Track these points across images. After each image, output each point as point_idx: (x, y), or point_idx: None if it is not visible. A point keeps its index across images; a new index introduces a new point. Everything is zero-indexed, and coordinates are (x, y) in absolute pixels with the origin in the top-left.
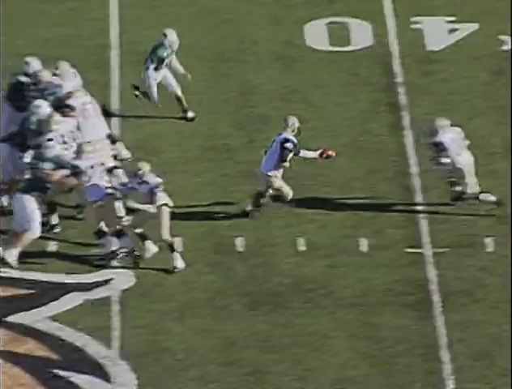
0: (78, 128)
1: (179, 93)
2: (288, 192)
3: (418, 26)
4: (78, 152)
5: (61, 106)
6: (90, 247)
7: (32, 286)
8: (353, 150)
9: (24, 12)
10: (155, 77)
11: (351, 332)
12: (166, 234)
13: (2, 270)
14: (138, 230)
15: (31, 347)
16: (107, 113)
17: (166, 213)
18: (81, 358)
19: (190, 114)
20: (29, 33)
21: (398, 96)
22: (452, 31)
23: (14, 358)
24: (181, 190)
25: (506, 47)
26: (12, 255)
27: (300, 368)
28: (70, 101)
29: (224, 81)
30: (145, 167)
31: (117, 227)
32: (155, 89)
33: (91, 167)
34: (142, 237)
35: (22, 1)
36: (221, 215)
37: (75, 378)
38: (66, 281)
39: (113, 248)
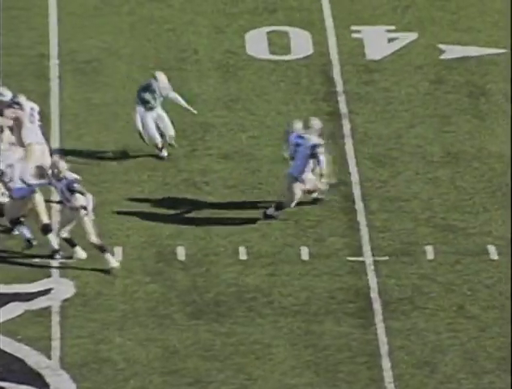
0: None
1: (171, 133)
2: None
3: (358, 35)
4: None
5: (10, 104)
6: (30, 257)
7: None
8: None
9: None
10: (145, 116)
11: (293, 341)
12: (92, 237)
13: None
14: (65, 235)
15: None
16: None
17: (85, 216)
18: (21, 368)
19: (164, 153)
20: None
21: (339, 105)
22: (392, 40)
23: None
24: (122, 200)
25: (445, 56)
26: None
27: (243, 377)
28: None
29: None
30: (61, 164)
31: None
32: (143, 130)
33: (10, 166)
34: (70, 243)
35: None
36: (162, 224)
37: (15, 388)
38: (5, 291)
39: (28, 236)
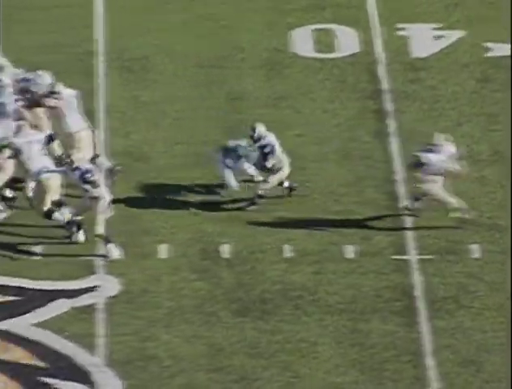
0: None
1: None
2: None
3: (404, 33)
4: (17, 131)
5: (48, 94)
6: (75, 254)
7: (18, 293)
8: (341, 157)
9: (11, 19)
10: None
11: (339, 339)
12: (99, 229)
13: None
14: (100, 232)
15: (17, 354)
16: None
17: (98, 207)
18: (68, 366)
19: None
20: (16, 38)
21: (385, 103)
22: (438, 38)
23: (0, 365)
24: (168, 197)
25: (492, 54)
26: None
27: (289, 375)
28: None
29: (212, 87)
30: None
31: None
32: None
33: (29, 143)
34: (106, 240)
35: (5, 7)
36: (208, 221)
37: (61, 385)
38: (52, 288)
39: (67, 218)
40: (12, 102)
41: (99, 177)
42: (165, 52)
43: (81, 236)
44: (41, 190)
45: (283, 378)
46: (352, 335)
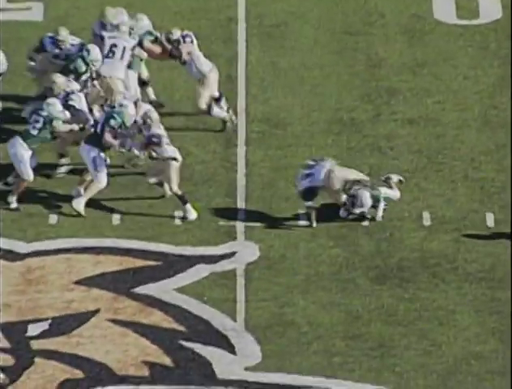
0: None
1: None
2: None
3: None
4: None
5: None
6: (216, 220)
7: (159, 258)
8: (482, 124)
9: None
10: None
11: (478, 307)
12: (174, 187)
13: (128, 241)
14: (179, 192)
15: (157, 318)
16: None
17: (172, 167)
18: (206, 330)
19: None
20: (160, 5)
21: None
22: None
23: (140, 329)
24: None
25: None
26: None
27: (427, 343)
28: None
29: (351, 54)
30: (154, 115)
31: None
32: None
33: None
34: (182, 200)
35: None
36: None
37: (200, 349)
38: (192, 253)
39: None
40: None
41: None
42: (302, 18)
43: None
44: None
45: (420, 346)
46: (491, 303)
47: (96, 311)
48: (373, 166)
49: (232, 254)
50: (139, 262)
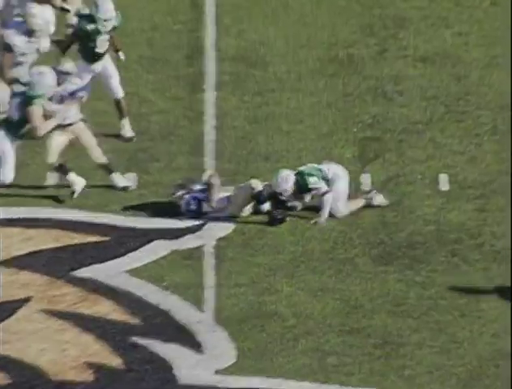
0: None
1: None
2: None
3: None
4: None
5: None
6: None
7: (106, 232)
8: None
9: None
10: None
11: (509, 294)
12: (98, 156)
13: (66, 211)
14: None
15: (104, 308)
16: None
17: (84, 130)
18: (167, 323)
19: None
20: None
21: None
22: None
23: (83, 322)
24: (292, 113)
25: None
26: None
27: (444, 338)
28: None
29: None
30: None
31: None
32: None
33: None
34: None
35: None
36: (341, 142)
37: (159, 347)
38: (148, 226)
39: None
40: None
41: None
42: None
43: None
44: None
45: (436, 342)
46: None
47: (27, 300)
48: (376, 116)
49: (199, 227)
50: (81, 238)
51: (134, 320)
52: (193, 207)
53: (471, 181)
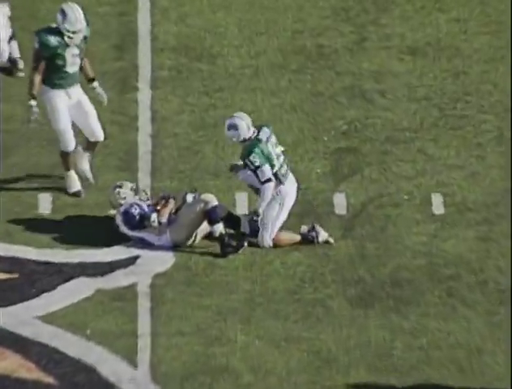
0: None
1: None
2: None
3: None
4: None
5: None
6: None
7: (13, 268)
8: None
9: None
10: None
11: None
12: None
13: None
14: None
15: (11, 364)
16: None
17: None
18: (91, 382)
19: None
20: None
21: None
22: None
23: None
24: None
25: None
26: None
27: None
28: None
29: None
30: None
31: None
32: None
33: None
34: None
35: None
36: (310, 157)
37: None
38: (67, 260)
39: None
40: None
41: None
42: None
43: None
44: None
45: None
46: None
47: None
48: (353, 122)
49: (132, 260)
50: None
51: (49, 378)
52: (134, 211)
53: (472, 203)
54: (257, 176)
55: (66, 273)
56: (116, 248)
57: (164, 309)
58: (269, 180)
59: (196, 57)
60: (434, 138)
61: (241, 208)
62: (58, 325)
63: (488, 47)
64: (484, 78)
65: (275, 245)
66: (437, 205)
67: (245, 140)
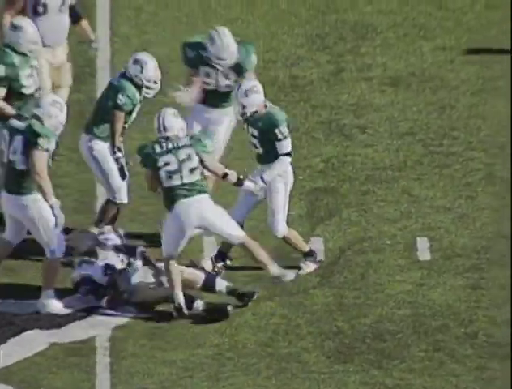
0: None
1: None
2: None
3: None
4: None
5: None
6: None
7: None
8: None
9: None
10: None
11: None
12: None
13: None
14: None
15: None
16: None
17: None
18: None
19: None
20: None
21: None
22: None
23: None
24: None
25: None
26: None
27: None
28: None
29: None
30: None
31: None
32: None
33: None
34: None
35: None
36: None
37: None
38: (17, 311)
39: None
40: None
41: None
42: None
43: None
44: None
45: None
46: None
47: None
48: (330, 160)
49: (89, 311)
50: None
51: None
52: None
53: (461, 248)
54: (274, 147)
55: (16, 325)
56: (72, 297)
57: (124, 365)
58: (289, 154)
59: (159, 89)
60: (419, 177)
61: (209, 252)
62: (8, 382)
63: (476, 78)
64: (472, 111)
65: (285, 241)
66: (423, 250)
67: (256, 112)
